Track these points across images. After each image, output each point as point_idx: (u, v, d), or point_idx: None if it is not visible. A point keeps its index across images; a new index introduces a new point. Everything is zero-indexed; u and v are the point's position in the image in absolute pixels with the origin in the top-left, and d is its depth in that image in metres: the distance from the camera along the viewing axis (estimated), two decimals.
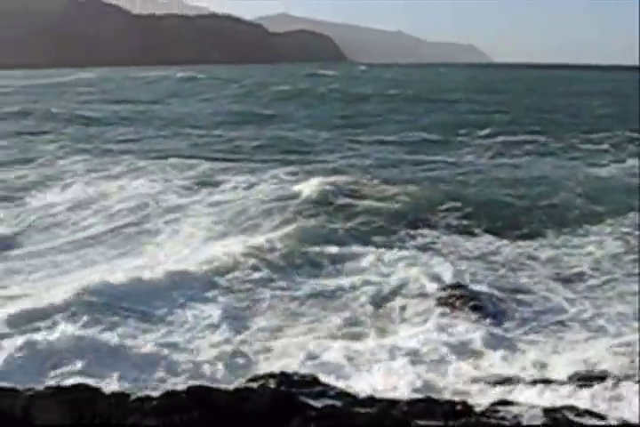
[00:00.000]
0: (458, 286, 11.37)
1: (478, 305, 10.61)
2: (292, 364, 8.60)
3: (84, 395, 5.44)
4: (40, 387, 5.83)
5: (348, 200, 18.25)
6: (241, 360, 8.77)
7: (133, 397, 5.75)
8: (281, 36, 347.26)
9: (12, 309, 9.98)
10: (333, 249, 13.72)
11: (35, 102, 54.72)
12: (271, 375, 7.07)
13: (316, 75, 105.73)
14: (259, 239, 14.11)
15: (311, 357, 8.91)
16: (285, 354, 9.13)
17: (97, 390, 5.56)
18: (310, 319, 10.53)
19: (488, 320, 10.20)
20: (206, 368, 8.28)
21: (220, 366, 8.39)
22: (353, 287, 11.69)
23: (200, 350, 8.94)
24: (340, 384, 7.66)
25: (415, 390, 7.82)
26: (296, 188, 19.52)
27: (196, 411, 5.19)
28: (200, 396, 5.40)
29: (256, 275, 12.34)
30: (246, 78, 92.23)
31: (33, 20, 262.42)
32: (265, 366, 8.56)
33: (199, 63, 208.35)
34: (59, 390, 5.53)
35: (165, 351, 8.53)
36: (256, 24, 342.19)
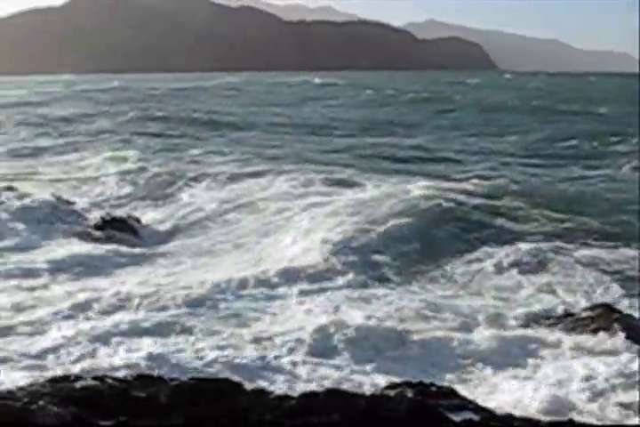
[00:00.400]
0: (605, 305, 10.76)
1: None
2: None
3: (226, 389, 5.54)
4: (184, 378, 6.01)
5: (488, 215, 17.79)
6: None
7: (272, 395, 5.80)
8: (429, 43, 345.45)
9: None
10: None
11: (177, 105, 57.67)
12: (408, 384, 6.95)
13: (458, 83, 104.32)
14: None
15: None
16: None
17: (239, 386, 5.64)
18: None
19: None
20: None
21: None
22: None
23: None
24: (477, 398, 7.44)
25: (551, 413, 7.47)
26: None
27: (334, 414, 5.16)
28: (339, 399, 5.37)
29: None
30: (386, 85, 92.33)
31: (185, 27, 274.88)
32: None
33: (347, 69, 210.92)
34: (202, 381, 5.66)
35: None
36: (404, 30, 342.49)
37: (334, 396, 5.45)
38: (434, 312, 10.56)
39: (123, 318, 9.90)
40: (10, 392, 6.08)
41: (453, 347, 9.40)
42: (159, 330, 9.45)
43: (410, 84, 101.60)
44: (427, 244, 15.04)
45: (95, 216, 18.17)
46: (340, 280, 12.26)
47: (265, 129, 40.68)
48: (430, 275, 13.12)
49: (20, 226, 16.37)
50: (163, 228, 17.61)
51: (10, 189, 20.04)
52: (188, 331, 9.44)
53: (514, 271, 13.13)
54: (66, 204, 19.12)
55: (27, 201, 18.38)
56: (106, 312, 10.32)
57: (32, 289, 11.65)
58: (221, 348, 8.71)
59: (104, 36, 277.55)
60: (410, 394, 6.64)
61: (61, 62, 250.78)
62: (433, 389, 7.17)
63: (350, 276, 12.46)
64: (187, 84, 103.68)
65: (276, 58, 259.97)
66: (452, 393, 7.19)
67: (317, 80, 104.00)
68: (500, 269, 13.35)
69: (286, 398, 5.54)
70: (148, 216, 18.75)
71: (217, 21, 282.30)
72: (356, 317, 9.90)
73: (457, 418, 6.30)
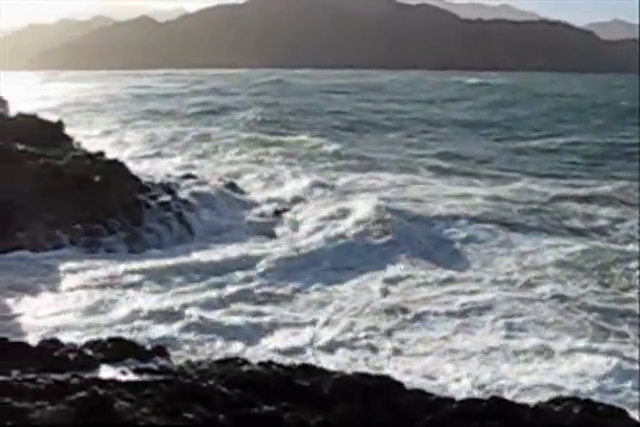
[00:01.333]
0: None
1: None
2: None
3: (387, 386, 5.54)
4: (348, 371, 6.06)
5: None
6: None
7: (433, 397, 5.73)
8: (613, 45, 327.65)
9: None
10: None
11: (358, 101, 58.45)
12: (575, 400, 6.64)
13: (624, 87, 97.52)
14: None
15: None
16: None
17: (400, 384, 5.62)
18: None
19: None
20: None
21: None
22: None
23: None
24: None
25: None
26: None
27: (496, 421, 5.02)
28: (502, 407, 5.22)
29: None
30: (542, 86, 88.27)
31: (362, 24, 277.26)
32: None
33: (523, 70, 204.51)
34: (364, 377, 5.69)
35: None
36: (587, 31, 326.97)
37: (498, 404, 5.30)
38: None
39: None
40: (181, 368, 6.40)
41: None
42: None
43: (568, 87, 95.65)
44: None
45: None
46: None
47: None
48: None
49: None
50: None
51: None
52: None
53: None
54: None
55: None
56: None
57: None
58: None
59: (282, 32, 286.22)
60: (576, 410, 6.35)
61: (239, 57, 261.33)
62: (601, 408, 6.82)
63: None
64: (357, 79, 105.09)
65: (450, 56, 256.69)
66: (621, 414, 6.80)
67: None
68: None
69: (448, 400, 5.45)
70: None
71: (393, 18, 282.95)
72: None
73: None
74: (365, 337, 10.27)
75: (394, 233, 16.67)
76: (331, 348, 9.93)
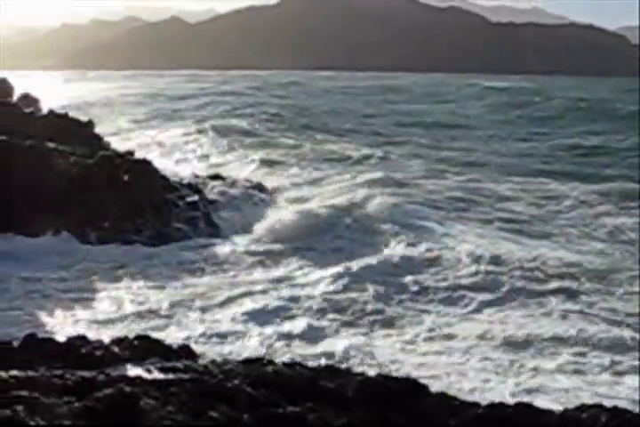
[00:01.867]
0: None
1: None
2: None
3: (411, 389, 5.52)
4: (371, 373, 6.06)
5: None
6: None
7: (457, 401, 5.70)
8: None
9: None
10: None
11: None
12: (601, 407, 6.56)
13: None
14: None
15: None
16: None
17: (424, 387, 5.60)
18: None
19: None
20: None
21: None
22: None
23: None
24: None
25: None
26: None
27: None
28: (528, 413, 5.18)
29: None
30: (562, 92, 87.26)
31: (391, 26, 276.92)
32: None
33: (553, 74, 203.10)
34: (388, 379, 5.68)
35: None
36: (618, 34, 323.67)
37: (524, 409, 5.27)
38: None
39: None
40: (206, 368, 6.43)
41: None
42: None
43: (592, 92, 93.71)
44: None
45: None
46: None
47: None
48: None
49: None
50: None
51: None
52: None
53: None
54: None
55: None
56: None
57: None
58: None
59: (312, 34, 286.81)
60: (603, 418, 6.28)
61: (269, 58, 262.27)
62: (628, 415, 6.74)
63: None
64: (385, 81, 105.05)
65: (478, 59, 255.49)
66: None
67: (487, 83, 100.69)
68: None
69: (473, 405, 5.42)
70: None
71: (422, 21, 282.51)
72: None
73: None
74: None
75: None
76: None
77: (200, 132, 37.91)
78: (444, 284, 13.40)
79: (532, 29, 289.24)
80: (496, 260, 14.46)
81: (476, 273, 13.83)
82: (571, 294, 12.72)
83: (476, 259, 14.43)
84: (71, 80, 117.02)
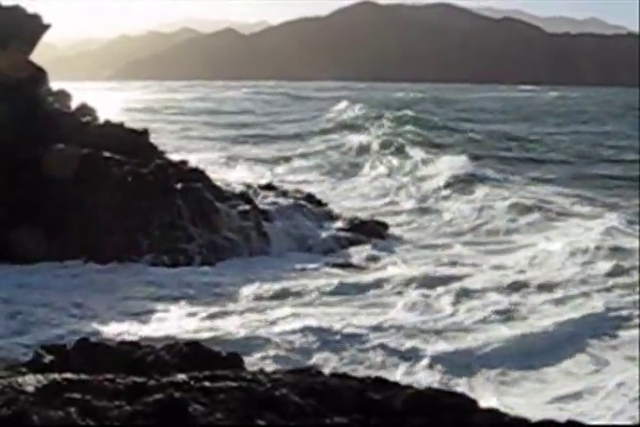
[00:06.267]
0: None
1: None
2: None
3: (462, 404, 5.45)
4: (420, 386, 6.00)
5: None
6: None
7: (508, 417, 5.61)
8: None
9: None
10: None
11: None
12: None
13: None
14: None
15: None
16: None
17: (474, 402, 5.53)
18: None
19: None
20: None
21: None
22: None
23: None
24: None
25: None
26: None
27: None
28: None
29: None
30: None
31: (447, 35, 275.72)
32: None
33: (607, 85, 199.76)
34: (439, 393, 5.62)
35: None
36: None
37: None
38: None
39: None
40: (254, 376, 6.46)
41: None
42: None
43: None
44: None
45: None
46: None
47: None
48: None
49: None
50: None
51: None
52: None
53: None
54: None
55: None
56: None
57: None
58: None
59: (364, 45, 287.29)
60: None
61: (319, 69, 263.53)
62: None
63: None
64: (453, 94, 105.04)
65: (533, 71, 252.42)
66: None
67: (553, 93, 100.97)
68: None
69: (522, 421, 5.33)
70: None
71: (478, 33, 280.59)
72: None
73: None
74: None
75: None
76: None
77: None
78: None
79: (588, 40, 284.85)
80: None
81: None
82: None
83: None
84: (117, 89, 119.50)
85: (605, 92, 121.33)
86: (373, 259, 16.86)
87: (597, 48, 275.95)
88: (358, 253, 17.24)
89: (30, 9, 20.62)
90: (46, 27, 21.59)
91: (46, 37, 21.91)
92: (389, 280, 14.62)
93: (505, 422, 5.32)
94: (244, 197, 19.89)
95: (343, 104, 59.31)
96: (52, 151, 17.57)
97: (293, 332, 11.26)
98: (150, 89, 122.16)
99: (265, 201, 20.32)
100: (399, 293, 13.84)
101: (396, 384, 5.94)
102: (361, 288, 14.22)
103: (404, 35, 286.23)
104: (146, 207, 17.27)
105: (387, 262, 16.51)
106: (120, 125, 23.54)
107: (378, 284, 14.48)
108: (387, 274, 15.24)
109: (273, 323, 11.88)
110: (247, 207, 18.95)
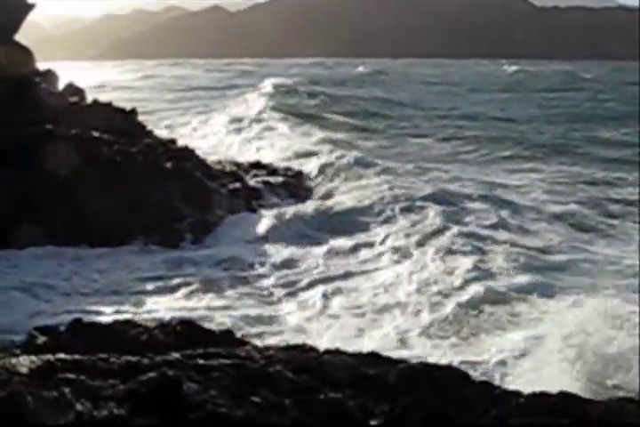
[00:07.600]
0: None
1: None
2: None
3: (453, 377, 5.50)
4: (414, 360, 6.05)
5: None
6: None
7: (499, 390, 5.66)
8: None
9: None
10: None
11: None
12: None
13: None
14: None
15: None
16: None
17: (466, 376, 5.58)
18: None
19: None
20: None
21: None
22: None
23: None
24: None
25: None
26: None
27: (564, 419, 4.92)
28: (572, 404, 5.12)
29: None
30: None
31: (435, 10, 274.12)
32: None
33: (597, 58, 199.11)
34: (430, 367, 5.66)
35: None
36: None
37: (566, 399, 5.20)
38: None
39: None
40: (247, 353, 6.48)
41: None
42: None
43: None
44: None
45: None
46: None
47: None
48: None
49: None
50: None
51: None
52: None
53: None
54: None
55: None
56: None
57: None
58: None
59: (351, 21, 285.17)
60: None
61: (308, 46, 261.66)
62: None
63: None
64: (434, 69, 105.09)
65: (526, 45, 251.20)
66: None
67: (514, 68, 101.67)
68: None
69: (515, 394, 5.38)
70: None
71: (468, 7, 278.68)
72: None
73: None
74: None
75: None
76: None
77: None
78: None
79: (577, 13, 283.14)
80: None
81: None
82: None
83: None
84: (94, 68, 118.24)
85: (580, 66, 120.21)
86: None
87: (585, 21, 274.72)
88: None
89: None
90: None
91: (34, 17, 21.63)
92: None
93: (497, 395, 5.37)
94: (235, 175, 19.85)
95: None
96: (40, 133, 17.44)
97: None
98: (119, 69, 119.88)
99: (255, 179, 20.31)
100: None
101: (389, 359, 5.99)
102: None
103: (391, 10, 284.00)
104: (135, 187, 17.20)
105: None
106: (108, 104, 23.37)
107: None
108: None
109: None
110: (238, 185, 18.93)
